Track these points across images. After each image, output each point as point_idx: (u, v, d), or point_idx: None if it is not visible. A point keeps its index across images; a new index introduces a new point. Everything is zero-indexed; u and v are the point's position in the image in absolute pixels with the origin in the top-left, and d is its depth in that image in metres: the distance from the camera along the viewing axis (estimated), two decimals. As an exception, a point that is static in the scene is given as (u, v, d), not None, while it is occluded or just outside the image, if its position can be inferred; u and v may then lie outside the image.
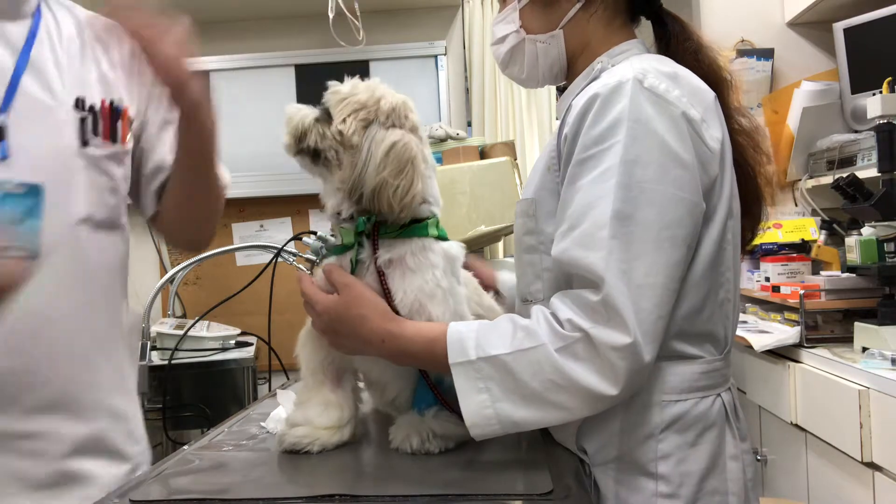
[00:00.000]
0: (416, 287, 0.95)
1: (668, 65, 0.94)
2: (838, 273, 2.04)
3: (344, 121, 0.94)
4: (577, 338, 0.82)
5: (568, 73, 1.06)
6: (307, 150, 0.97)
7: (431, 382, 0.97)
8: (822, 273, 2.09)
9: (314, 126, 0.96)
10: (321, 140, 0.96)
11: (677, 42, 1.02)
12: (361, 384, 1.08)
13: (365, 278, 0.97)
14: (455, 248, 1.02)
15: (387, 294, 0.95)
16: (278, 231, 3.19)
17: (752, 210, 1.05)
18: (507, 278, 1.23)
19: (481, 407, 0.85)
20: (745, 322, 2.23)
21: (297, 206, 3.17)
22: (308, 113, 0.98)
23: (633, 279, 0.82)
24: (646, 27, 1.08)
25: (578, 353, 0.82)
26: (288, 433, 0.96)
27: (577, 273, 0.85)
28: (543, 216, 0.97)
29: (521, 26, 1.03)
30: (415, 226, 0.97)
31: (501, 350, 0.85)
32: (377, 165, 0.92)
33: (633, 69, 0.89)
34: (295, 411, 0.99)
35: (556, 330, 0.84)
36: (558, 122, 1.00)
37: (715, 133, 0.91)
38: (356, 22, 2.76)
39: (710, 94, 0.94)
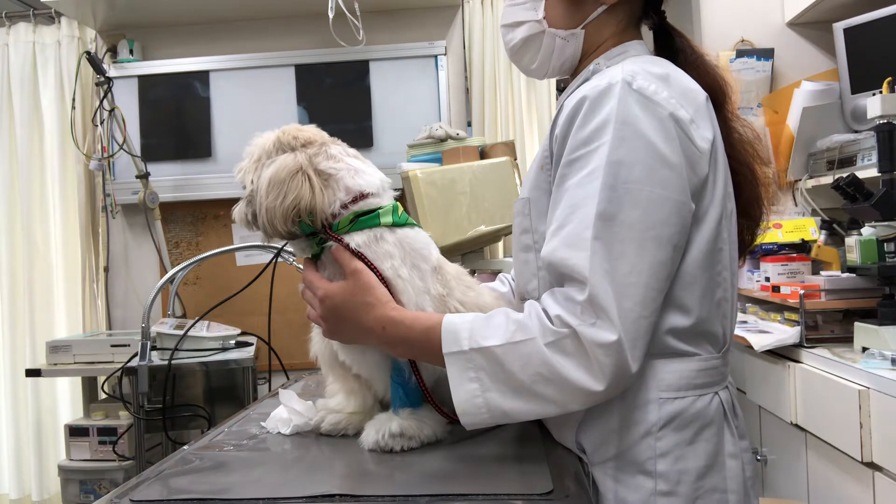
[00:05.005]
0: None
1: (660, 66, 0.94)
2: (838, 273, 2.03)
3: (252, 181, 1.00)
4: (566, 334, 0.84)
5: (575, 71, 1.07)
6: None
7: (421, 380, 0.97)
8: (822, 273, 2.09)
9: (247, 208, 1.01)
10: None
11: (684, 56, 1.03)
12: None
13: (327, 269, 1.00)
14: (413, 235, 1.02)
15: (374, 270, 0.96)
16: (278, 231, 3.18)
17: (750, 213, 1.05)
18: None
19: (471, 396, 0.87)
20: (745, 322, 2.23)
21: (297, 206, 3.17)
22: (239, 208, 1.03)
23: (617, 279, 0.83)
24: (649, 37, 1.08)
25: (567, 349, 0.84)
26: (325, 419, 1.06)
27: (565, 273, 0.87)
28: (537, 215, 0.98)
29: (544, 17, 1.03)
30: (362, 218, 0.98)
31: (493, 342, 0.86)
32: (265, 197, 0.97)
33: (622, 71, 0.90)
34: (328, 400, 1.10)
35: (546, 325, 0.85)
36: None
37: (705, 133, 0.91)
38: (356, 22, 2.76)
39: (702, 94, 0.95)
